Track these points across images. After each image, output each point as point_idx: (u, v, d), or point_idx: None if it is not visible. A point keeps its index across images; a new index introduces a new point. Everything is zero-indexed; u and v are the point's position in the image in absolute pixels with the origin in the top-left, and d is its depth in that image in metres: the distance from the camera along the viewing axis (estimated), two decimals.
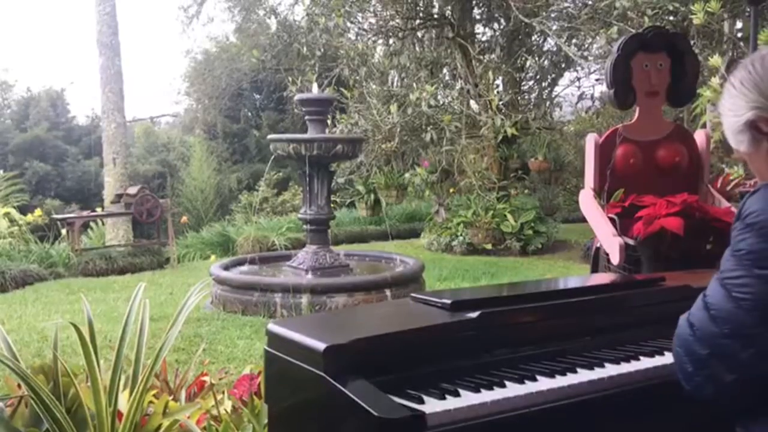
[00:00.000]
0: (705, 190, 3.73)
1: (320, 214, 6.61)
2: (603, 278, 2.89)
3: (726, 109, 1.46)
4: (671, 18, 7.66)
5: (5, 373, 2.61)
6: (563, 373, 1.60)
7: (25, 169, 15.31)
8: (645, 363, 1.70)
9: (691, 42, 6.47)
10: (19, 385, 2.35)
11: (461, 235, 9.70)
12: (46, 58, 34.96)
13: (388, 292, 6.06)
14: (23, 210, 10.54)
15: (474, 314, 1.66)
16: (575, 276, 6.41)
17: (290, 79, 10.08)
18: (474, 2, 10.56)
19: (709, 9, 4.45)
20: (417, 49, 11.12)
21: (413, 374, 1.52)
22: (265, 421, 2.24)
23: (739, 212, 1.41)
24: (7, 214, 9.22)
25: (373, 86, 9.95)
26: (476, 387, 1.49)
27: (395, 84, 10.54)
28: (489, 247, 9.58)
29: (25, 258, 8.27)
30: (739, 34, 7.93)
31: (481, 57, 9.66)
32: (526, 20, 8.68)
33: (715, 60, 4.10)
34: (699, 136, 3.81)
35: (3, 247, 8.51)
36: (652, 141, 3.69)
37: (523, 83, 11.22)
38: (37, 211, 9.98)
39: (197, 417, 2.43)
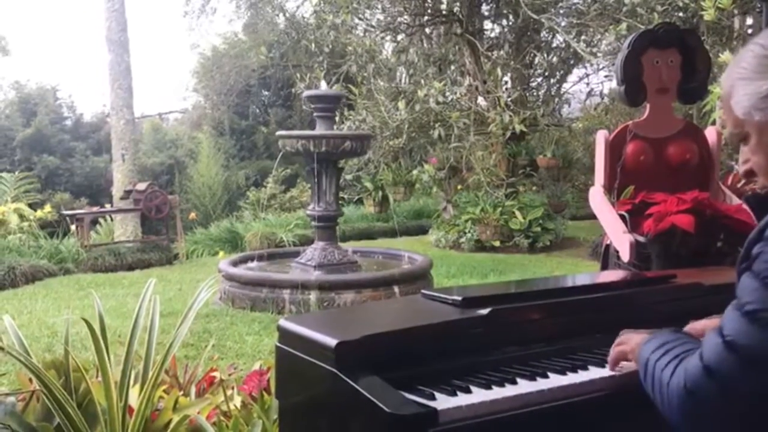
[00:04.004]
0: (716, 187, 3.71)
1: (328, 210, 6.61)
2: (613, 275, 2.88)
3: (749, 71, 1.28)
4: (681, 14, 7.62)
5: (17, 368, 2.62)
6: (574, 371, 1.59)
7: (33, 164, 15.37)
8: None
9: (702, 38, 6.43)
10: (30, 380, 2.36)
11: (469, 232, 9.68)
12: (54, 54, 35.05)
13: (396, 289, 6.06)
14: (33, 205, 10.59)
15: (485, 311, 1.65)
16: (585, 273, 6.39)
17: (298, 75, 10.09)
18: None
19: (719, 5, 4.42)
20: (425, 45, 11.10)
21: (424, 370, 1.52)
22: (275, 416, 2.25)
23: (762, 230, 1.21)
24: (17, 210, 9.27)
25: (381, 83, 9.94)
26: (488, 384, 1.49)
27: (403, 81, 10.54)
28: (497, 244, 9.56)
29: (35, 254, 8.31)
30: (750, 31, 7.88)
31: (490, 53, 9.65)
32: (535, 16, 8.65)
33: (726, 56, 4.08)
34: (710, 133, 3.79)
35: (13, 242, 8.55)
36: (663, 138, 3.67)
37: (532, 80, 11.19)
38: (47, 207, 10.02)
39: (207, 412, 2.44)
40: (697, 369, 1.19)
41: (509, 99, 8.60)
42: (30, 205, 10.15)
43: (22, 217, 9.18)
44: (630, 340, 1.52)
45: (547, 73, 11.01)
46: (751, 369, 1.14)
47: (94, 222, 10.66)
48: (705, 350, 1.20)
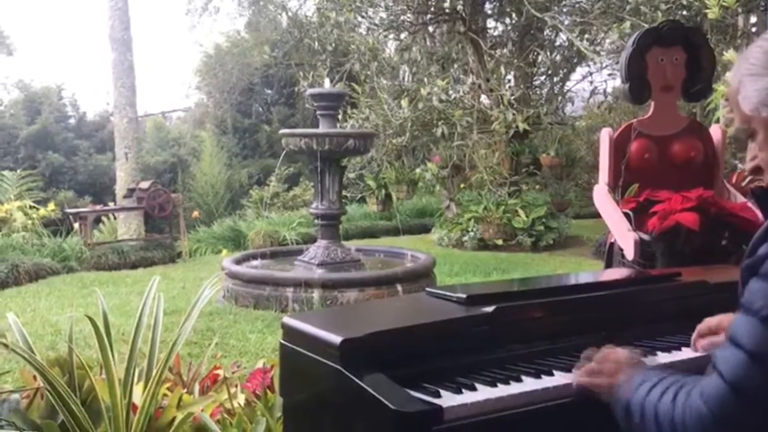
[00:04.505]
0: (720, 185, 3.70)
1: (331, 209, 6.61)
2: (618, 273, 2.87)
3: (757, 67, 1.26)
4: (685, 13, 7.60)
5: (21, 365, 2.63)
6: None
7: (37, 162, 15.39)
8: (661, 358, 1.69)
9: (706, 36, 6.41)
10: (34, 377, 2.36)
11: (472, 230, 9.68)
12: (57, 53, 35.08)
13: (399, 288, 6.06)
14: (37, 203, 10.60)
15: (489, 309, 1.65)
16: (590, 271, 6.38)
17: (301, 74, 10.09)
18: None
19: (723, 3, 4.41)
20: (428, 43, 11.09)
21: (429, 368, 1.52)
22: (279, 414, 2.25)
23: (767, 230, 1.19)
24: (21, 208, 9.28)
25: (384, 81, 9.93)
26: (493, 381, 1.48)
27: (406, 79, 10.52)
28: (500, 242, 9.55)
29: (38, 252, 8.32)
30: (754, 29, 7.86)
31: (493, 52, 9.63)
32: (538, 15, 8.64)
33: (730, 55, 4.06)
34: (714, 131, 3.78)
35: (17, 240, 8.56)
36: (667, 136, 3.67)
37: (535, 78, 11.17)
38: (50, 206, 10.03)
39: (211, 410, 2.44)
40: (721, 389, 1.12)
41: (512, 97, 8.58)
42: (33, 203, 10.16)
43: (25, 214, 9.19)
44: (609, 370, 1.43)
45: (550, 72, 10.99)
46: None
47: (98, 220, 10.67)
48: (724, 367, 1.13)
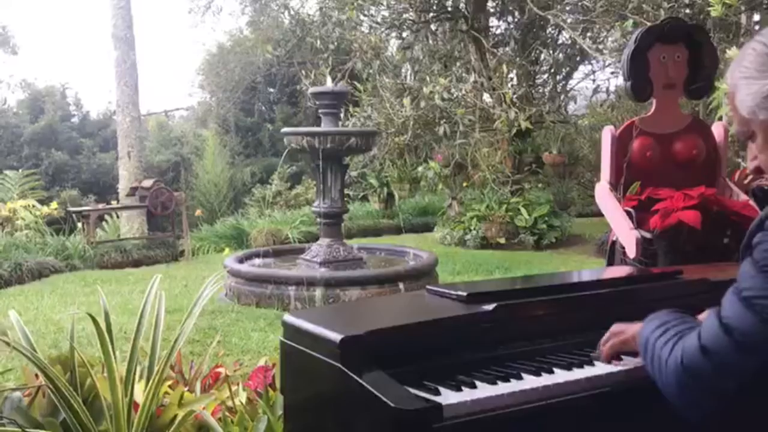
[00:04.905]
0: (722, 183, 3.70)
1: (334, 207, 6.61)
2: (620, 271, 2.87)
3: (751, 70, 1.27)
4: (687, 10, 7.59)
5: (23, 363, 2.63)
6: (580, 366, 1.59)
7: (41, 160, 15.42)
8: None
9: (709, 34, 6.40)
10: (36, 375, 2.37)
11: (474, 229, 9.67)
12: (61, 52, 35.15)
13: (401, 286, 6.05)
14: (41, 201, 10.62)
15: (490, 306, 1.65)
16: (592, 269, 6.37)
17: (304, 72, 10.11)
18: None
19: (726, 1, 4.40)
20: (430, 42, 11.09)
21: (429, 366, 1.52)
22: (280, 412, 2.25)
23: (763, 220, 1.24)
24: (26, 207, 9.31)
25: (387, 79, 9.93)
26: (493, 379, 1.48)
27: (408, 77, 10.53)
28: (502, 241, 9.54)
29: (41, 250, 8.33)
30: (757, 27, 7.84)
31: (495, 50, 9.62)
32: (541, 13, 8.63)
33: (733, 52, 4.05)
34: (717, 129, 3.77)
35: (20, 239, 8.58)
36: (669, 134, 3.66)
37: (538, 76, 11.17)
38: (53, 204, 10.05)
39: (212, 408, 2.44)
40: (694, 347, 1.26)
41: (515, 96, 8.58)
42: (36, 202, 10.18)
43: (30, 213, 9.21)
44: (628, 329, 1.57)
45: (552, 70, 10.99)
46: (744, 351, 1.21)
47: (101, 219, 10.69)
48: (703, 330, 1.28)
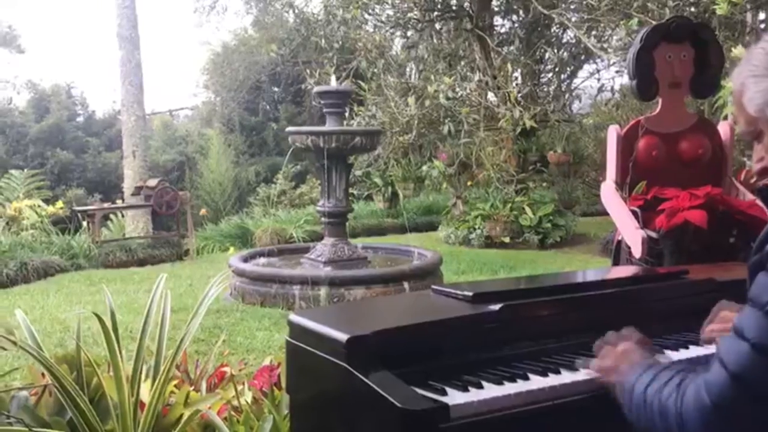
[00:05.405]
0: (728, 182, 3.68)
1: (338, 206, 6.61)
2: (626, 271, 2.86)
3: (760, 68, 1.27)
4: (693, 9, 7.56)
5: (29, 363, 2.64)
6: (586, 367, 1.58)
7: (46, 159, 15.46)
8: (669, 356, 1.68)
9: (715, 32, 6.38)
10: (43, 375, 2.37)
11: (479, 228, 9.66)
12: (66, 51, 35.24)
13: (406, 285, 6.05)
14: (46, 200, 10.65)
15: (496, 306, 1.65)
16: (597, 268, 6.36)
17: (308, 71, 10.11)
18: None
19: None
20: (435, 41, 11.07)
21: (436, 366, 1.52)
22: (286, 411, 2.25)
23: None
24: (32, 206, 9.34)
25: (391, 79, 9.93)
26: (499, 379, 1.48)
27: (413, 76, 10.53)
28: (507, 240, 9.53)
29: (46, 249, 8.35)
30: (763, 26, 7.81)
31: (500, 49, 9.61)
32: (546, 12, 8.62)
33: (739, 51, 4.04)
34: (723, 128, 3.76)
35: (25, 238, 8.60)
36: (675, 133, 3.65)
37: (542, 75, 11.15)
38: (59, 203, 10.08)
39: (218, 407, 2.45)
40: (723, 379, 1.13)
41: (519, 94, 8.57)
42: (42, 201, 10.21)
43: (36, 213, 9.24)
44: (613, 355, 1.49)
45: (557, 69, 10.96)
46: None
47: (106, 218, 10.72)
48: (727, 358, 1.15)
